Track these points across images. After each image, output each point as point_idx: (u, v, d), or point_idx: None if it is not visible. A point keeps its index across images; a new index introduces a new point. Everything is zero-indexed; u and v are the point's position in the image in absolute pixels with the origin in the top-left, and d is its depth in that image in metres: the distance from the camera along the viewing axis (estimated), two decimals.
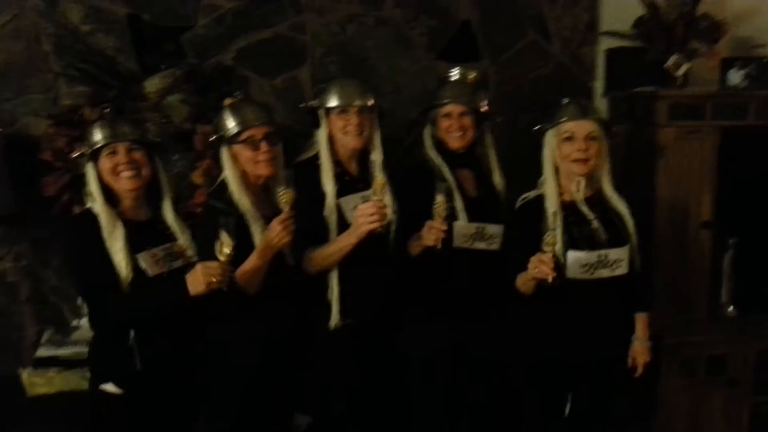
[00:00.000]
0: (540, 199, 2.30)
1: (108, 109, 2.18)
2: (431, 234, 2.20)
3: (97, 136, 2.05)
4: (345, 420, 2.31)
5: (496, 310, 2.46)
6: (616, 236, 2.25)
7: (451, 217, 2.30)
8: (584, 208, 2.26)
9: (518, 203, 2.38)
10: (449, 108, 2.43)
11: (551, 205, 2.24)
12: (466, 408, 2.55)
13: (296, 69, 3.11)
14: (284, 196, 2.00)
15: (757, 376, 2.92)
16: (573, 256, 2.21)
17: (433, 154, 2.46)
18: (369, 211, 2.09)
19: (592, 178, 2.30)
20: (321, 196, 2.25)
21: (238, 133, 2.11)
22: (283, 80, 3.10)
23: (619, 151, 3.14)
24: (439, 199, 2.19)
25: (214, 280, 1.92)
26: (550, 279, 2.06)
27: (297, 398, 2.35)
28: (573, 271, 2.22)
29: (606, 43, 3.30)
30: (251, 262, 2.03)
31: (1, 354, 2.96)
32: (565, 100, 2.33)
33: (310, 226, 2.18)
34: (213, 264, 1.94)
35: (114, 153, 2.04)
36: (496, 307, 2.45)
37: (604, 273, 2.23)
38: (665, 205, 2.89)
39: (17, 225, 2.88)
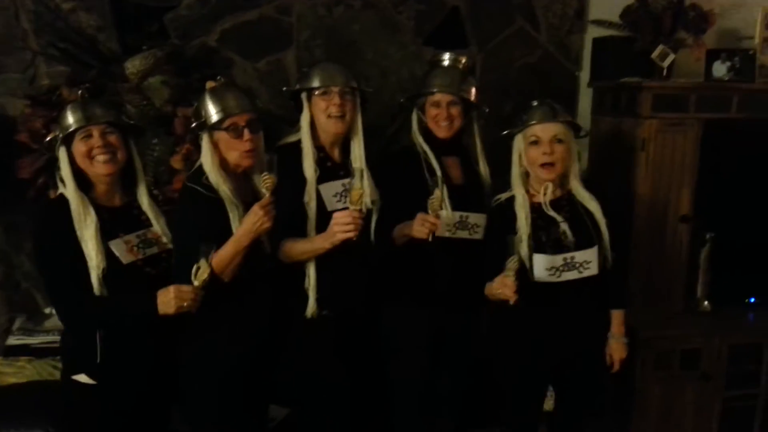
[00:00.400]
0: (511, 202, 2.32)
1: (85, 89, 2.12)
2: (424, 227, 2.20)
3: (71, 118, 1.99)
4: (323, 411, 2.31)
5: (476, 301, 2.44)
6: (585, 238, 2.25)
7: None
8: (551, 212, 2.27)
9: (492, 204, 2.40)
10: (438, 97, 2.41)
11: (522, 216, 2.27)
12: (445, 397, 2.57)
13: (281, 52, 3.07)
14: (267, 181, 1.99)
15: (729, 370, 2.94)
16: (538, 259, 2.23)
17: (420, 140, 2.45)
18: (345, 220, 2.08)
19: (561, 180, 2.30)
20: (301, 181, 2.24)
21: (219, 121, 2.07)
22: (268, 63, 3.06)
23: (602, 143, 3.18)
24: (437, 193, 2.20)
25: (185, 304, 1.92)
26: (512, 301, 2.10)
27: (274, 390, 2.33)
28: (539, 274, 2.24)
29: (593, 32, 3.29)
30: (229, 248, 2.01)
31: None
32: (534, 103, 2.34)
33: (289, 211, 2.16)
34: (186, 288, 1.92)
35: (89, 136, 1.98)
36: (477, 297, 2.43)
37: (571, 276, 2.25)
38: (645, 198, 2.89)
39: None
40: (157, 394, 2.12)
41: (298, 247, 2.20)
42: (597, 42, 3.26)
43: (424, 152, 2.42)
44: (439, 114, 2.41)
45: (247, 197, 2.10)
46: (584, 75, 3.36)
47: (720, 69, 2.96)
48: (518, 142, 2.32)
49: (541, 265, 2.23)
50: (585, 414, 2.44)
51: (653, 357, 2.44)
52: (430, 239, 2.20)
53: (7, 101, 2.81)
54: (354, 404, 2.33)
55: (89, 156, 1.99)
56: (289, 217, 2.17)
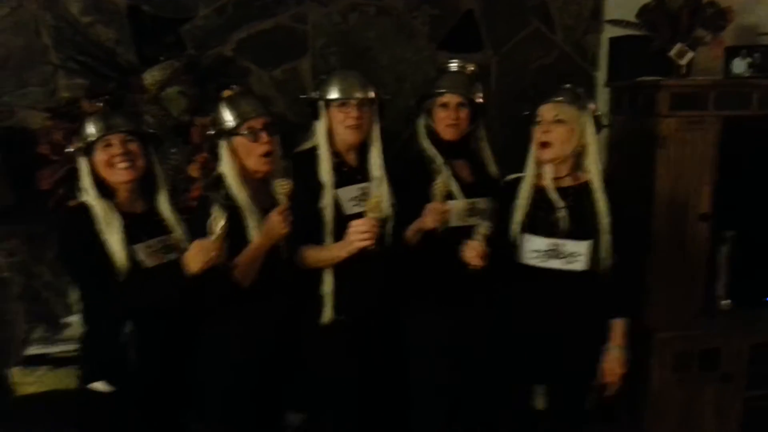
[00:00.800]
0: (519, 182, 2.31)
1: (104, 101, 2.17)
2: (432, 216, 2.19)
3: (91, 129, 2.04)
4: (339, 417, 2.30)
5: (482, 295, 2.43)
6: (581, 229, 2.19)
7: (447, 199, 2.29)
8: (553, 196, 2.23)
9: (501, 183, 2.41)
10: (447, 98, 2.41)
11: (523, 192, 2.25)
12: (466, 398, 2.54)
13: (297, 60, 3.10)
14: (284, 186, 2.01)
15: (750, 370, 2.90)
16: (527, 239, 2.22)
17: (426, 144, 2.44)
18: (362, 229, 2.07)
19: (574, 168, 2.26)
20: (318, 187, 2.24)
21: (237, 126, 2.11)
22: (284, 71, 3.09)
23: (620, 143, 3.15)
24: (439, 179, 2.19)
25: (212, 254, 1.92)
26: (478, 267, 2.11)
27: (289, 396, 2.34)
28: (526, 255, 2.22)
29: (610, 32, 3.26)
30: (248, 254, 2.03)
31: None
32: (566, 86, 2.32)
33: (306, 217, 2.17)
34: (207, 241, 1.93)
35: (109, 145, 2.03)
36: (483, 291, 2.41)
37: (556, 264, 2.20)
38: (664, 197, 2.86)
39: (10, 220, 2.88)
40: (173, 399, 2.14)
41: (315, 255, 2.21)
42: (613, 42, 3.24)
43: (432, 156, 2.41)
44: (447, 116, 2.40)
45: (265, 204, 2.12)
46: (601, 75, 3.35)
47: (739, 66, 2.93)
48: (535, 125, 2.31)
49: (528, 246, 2.21)
50: (568, 417, 2.35)
51: (672, 358, 2.38)
52: (439, 229, 2.19)
53: (28, 114, 2.86)
54: (370, 409, 2.32)
55: (110, 164, 2.03)
56: (307, 224, 2.18)
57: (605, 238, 2.18)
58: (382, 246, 2.27)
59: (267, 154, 2.11)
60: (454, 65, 2.52)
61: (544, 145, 2.22)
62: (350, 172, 2.32)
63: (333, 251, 2.18)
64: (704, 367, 2.75)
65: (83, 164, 2.05)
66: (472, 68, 2.51)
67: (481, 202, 2.41)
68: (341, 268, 2.22)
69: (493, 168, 2.52)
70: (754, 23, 3.21)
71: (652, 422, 2.77)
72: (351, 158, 2.34)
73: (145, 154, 2.11)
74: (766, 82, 2.87)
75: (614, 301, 2.26)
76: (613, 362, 2.24)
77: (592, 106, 2.29)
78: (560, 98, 2.24)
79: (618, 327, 2.25)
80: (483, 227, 2.13)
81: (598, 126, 2.30)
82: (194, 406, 2.17)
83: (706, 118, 2.84)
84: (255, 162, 2.12)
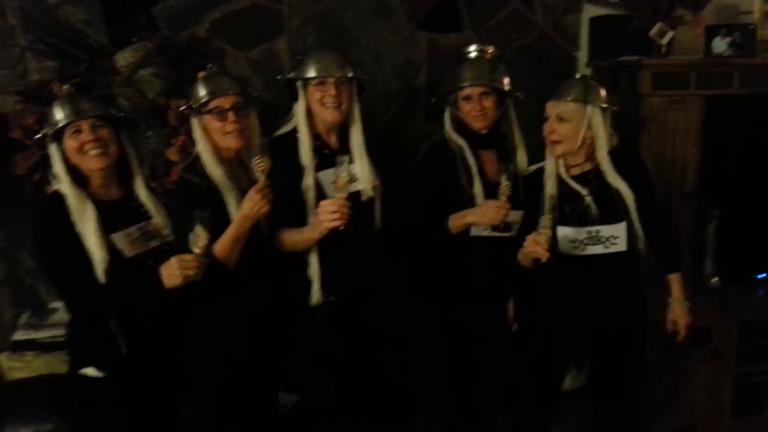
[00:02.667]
0: (540, 173, 2.33)
1: (74, 84, 2.10)
2: (492, 213, 2.19)
3: (59, 114, 1.96)
4: (332, 396, 2.28)
5: (505, 296, 2.49)
6: (612, 212, 2.23)
7: (469, 201, 2.30)
8: (576, 186, 2.25)
9: (521, 174, 2.40)
10: (468, 91, 2.36)
11: (548, 187, 2.27)
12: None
13: (273, 40, 3.04)
14: (260, 164, 1.97)
15: (741, 347, 2.93)
16: (562, 232, 2.22)
17: (455, 136, 2.40)
18: (330, 209, 2.03)
19: (589, 153, 2.27)
20: (299, 170, 2.20)
21: (205, 103, 2.07)
22: (260, 52, 3.03)
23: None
24: (504, 181, 2.18)
25: (190, 273, 1.88)
26: (544, 259, 2.09)
27: (282, 377, 2.33)
28: (563, 246, 2.23)
29: (590, 12, 3.26)
30: (229, 234, 2.00)
31: None
32: (576, 75, 2.35)
33: (288, 201, 2.13)
34: (188, 257, 1.89)
35: (78, 132, 1.95)
36: (506, 293, 2.48)
37: (597, 249, 2.23)
38: None
39: None
40: (165, 384, 2.10)
41: (290, 239, 2.17)
42: (594, 21, 3.23)
43: (460, 147, 2.37)
44: (472, 108, 2.35)
45: (243, 185, 2.08)
46: (582, 55, 3.34)
47: (720, 45, 2.93)
48: None
49: (565, 238, 2.22)
50: (618, 389, 2.37)
51: (662, 336, 2.40)
52: (502, 225, 2.21)
53: None
54: (360, 390, 2.30)
55: (81, 151, 1.96)
56: (288, 207, 2.14)
57: (634, 215, 2.22)
58: (369, 226, 2.25)
59: (235, 132, 2.06)
60: (473, 51, 2.46)
61: (553, 141, 2.25)
62: (331, 154, 2.27)
63: (305, 233, 2.15)
64: (695, 344, 2.75)
65: (54, 151, 1.97)
66: (492, 51, 2.45)
67: (511, 215, 2.32)
68: (328, 249, 2.19)
69: (523, 155, 2.46)
70: (734, 2, 3.21)
71: (644, 400, 2.78)
72: (332, 140, 2.30)
73: (118, 139, 2.04)
74: (747, 61, 2.88)
75: (667, 258, 2.38)
76: (677, 314, 2.37)
77: (602, 94, 2.27)
78: (563, 97, 2.25)
79: (676, 281, 2.37)
80: (546, 219, 2.12)
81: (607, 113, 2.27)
82: (186, 394, 2.15)
83: (687, 98, 2.84)
84: (222, 139, 2.08)
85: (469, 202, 2.30)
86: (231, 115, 2.06)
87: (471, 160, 2.35)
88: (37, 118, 2.46)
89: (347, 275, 2.23)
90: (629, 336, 2.32)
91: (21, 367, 2.61)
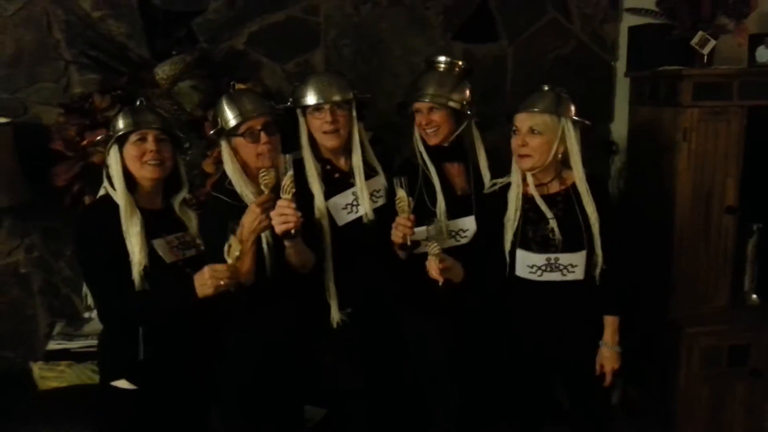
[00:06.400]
0: (506, 190, 2.24)
1: (116, 97, 2.16)
2: (398, 231, 2.11)
3: (126, 120, 2.03)
4: (357, 408, 2.26)
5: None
6: (575, 240, 2.15)
7: (431, 214, 2.27)
8: (543, 207, 2.17)
9: (486, 189, 2.33)
10: (416, 104, 2.35)
11: (512, 206, 2.19)
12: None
13: (309, 52, 3.06)
14: (265, 178, 1.95)
15: None
16: (521, 255, 2.17)
17: (420, 147, 2.38)
18: (277, 212, 1.93)
19: (561, 172, 2.21)
20: (311, 197, 2.20)
21: (236, 126, 2.08)
22: (296, 64, 3.05)
23: (641, 134, 3.09)
24: (400, 194, 2.10)
25: (222, 282, 1.89)
26: (440, 283, 2.03)
27: (308, 391, 2.34)
28: (519, 271, 2.18)
29: (629, 21, 3.21)
30: None
31: (14, 347, 3.00)
32: (544, 87, 2.23)
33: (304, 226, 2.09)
34: (220, 266, 1.90)
35: (143, 140, 2.02)
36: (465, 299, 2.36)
37: (554, 277, 2.16)
38: (687, 190, 2.80)
39: (29, 216, 2.88)
40: (194, 397, 2.13)
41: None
42: (633, 30, 3.18)
43: (423, 160, 2.35)
44: (422, 120, 2.34)
45: None
46: (621, 65, 3.29)
47: (764, 54, 2.86)
48: None
49: (523, 262, 2.16)
50: (584, 415, 2.32)
51: (699, 354, 2.33)
52: (408, 243, 2.10)
53: (41, 110, 2.84)
54: (385, 400, 2.29)
55: (141, 159, 2.01)
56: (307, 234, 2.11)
57: (597, 243, 2.14)
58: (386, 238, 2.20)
59: (267, 153, 2.08)
60: (442, 64, 2.43)
61: (523, 156, 2.16)
62: (342, 177, 2.29)
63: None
64: (733, 362, 2.68)
65: (114, 154, 2.02)
66: (461, 65, 2.42)
67: (466, 222, 2.33)
68: (342, 272, 2.19)
69: (486, 172, 2.39)
70: None
71: (682, 419, 2.72)
72: (341, 163, 2.31)
73: (173, 154, 2.10)
74: None
75: (608, 298, 2.23)
76: (605, 358, 2.23)
77: (572, 108, 2.18)
78: (535, 108, 2.16)
79: (611, 324, 2.23)
80: (432, 247, 2.05)
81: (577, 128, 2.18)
82: (215, 405, 2.18)
83: (729, 108, 2.78)
84: (255, 161, 2.09)
85: (430, 216, 2.27)
86: (263, 136, 2.08)
87: (433, 172, 2.31)
88: (79, 130, 2.54)
89: (363, 294, 2.25)
90: (584, 365, 2.25)
91: (54, 377, 2.63)
